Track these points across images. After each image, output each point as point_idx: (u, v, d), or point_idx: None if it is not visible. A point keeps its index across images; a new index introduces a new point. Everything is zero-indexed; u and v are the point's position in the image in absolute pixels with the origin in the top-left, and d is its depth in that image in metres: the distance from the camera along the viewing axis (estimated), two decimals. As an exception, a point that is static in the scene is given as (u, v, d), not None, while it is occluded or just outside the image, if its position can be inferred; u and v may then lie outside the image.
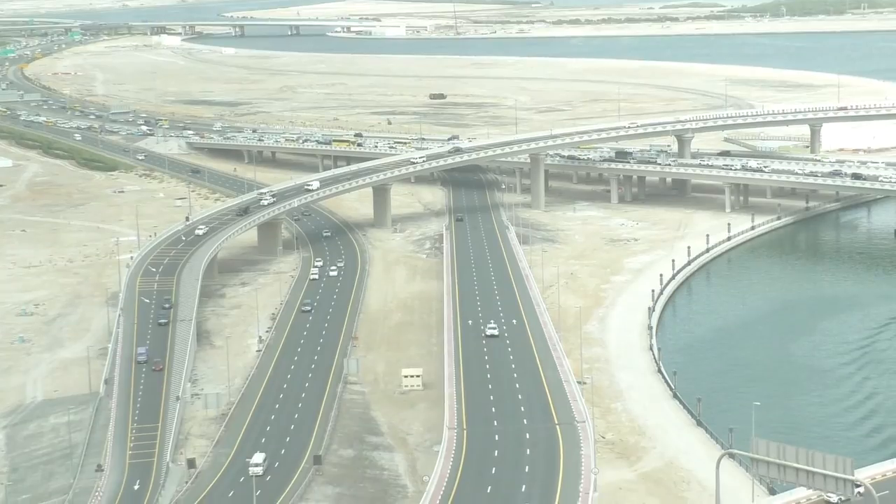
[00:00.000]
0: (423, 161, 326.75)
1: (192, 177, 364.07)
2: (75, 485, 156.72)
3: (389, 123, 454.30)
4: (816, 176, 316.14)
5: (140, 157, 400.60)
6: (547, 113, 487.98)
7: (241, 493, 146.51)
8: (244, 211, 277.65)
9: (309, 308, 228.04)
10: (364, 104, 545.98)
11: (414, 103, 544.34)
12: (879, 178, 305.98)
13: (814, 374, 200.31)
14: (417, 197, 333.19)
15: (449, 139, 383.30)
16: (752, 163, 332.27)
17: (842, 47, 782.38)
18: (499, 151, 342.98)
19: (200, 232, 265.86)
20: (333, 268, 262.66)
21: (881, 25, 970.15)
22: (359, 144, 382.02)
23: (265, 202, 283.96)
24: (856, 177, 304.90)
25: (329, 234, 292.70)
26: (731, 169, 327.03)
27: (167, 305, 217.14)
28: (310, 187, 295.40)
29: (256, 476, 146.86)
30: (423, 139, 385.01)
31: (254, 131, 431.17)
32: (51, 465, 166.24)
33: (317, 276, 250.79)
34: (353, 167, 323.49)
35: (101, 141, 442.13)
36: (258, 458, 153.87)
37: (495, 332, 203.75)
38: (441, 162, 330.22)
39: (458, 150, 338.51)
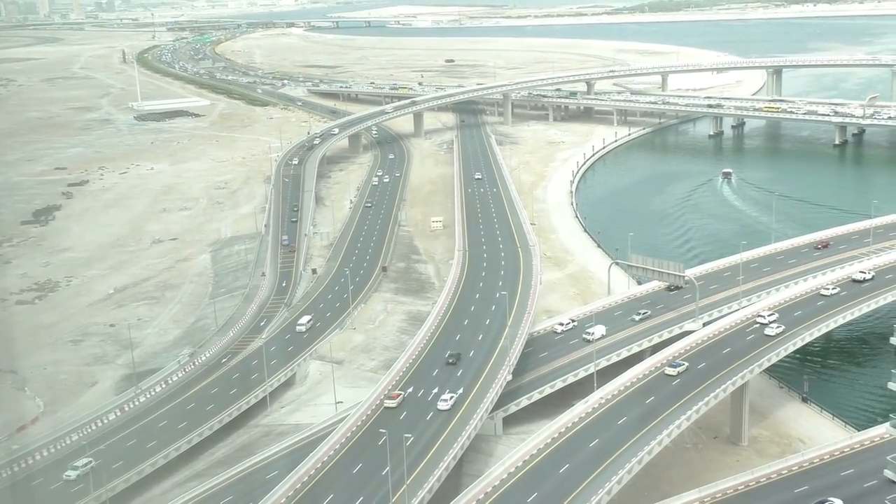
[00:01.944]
0: (438, 98, 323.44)
1: (318, 111, 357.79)
2: (250, 284, 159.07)
3: (421, 80, 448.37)
4: (665, 104, 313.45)
5: (283, 99, 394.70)
6: (513, 69, 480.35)
7: (342, 288, 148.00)
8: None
9: (377, 182, 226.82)
10: (407, 66, 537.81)
11: (436, 65, 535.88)
12: (698, 105, 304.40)
13: (662, 217, 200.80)
14: (439, 119, 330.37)
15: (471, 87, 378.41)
16: (629, 96, 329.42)
17: (683, 30, 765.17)
18: (485, 92, 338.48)
19: (317, 141, 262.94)
20: (391, 155, 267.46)
21: (718, 16, 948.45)
22: (413, 90, 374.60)
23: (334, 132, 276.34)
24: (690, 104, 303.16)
25: (391, 149, 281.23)
26: (617, 100, 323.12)
27: (295, 208, 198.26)
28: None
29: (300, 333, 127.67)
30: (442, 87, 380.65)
31: (344, 84, 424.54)
32: (236, 272, 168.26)
33: (380, 174, 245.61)
34: (400, 102, 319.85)
35: (259, 89, 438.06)
36: (304, 319, 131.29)
37: (481, 177, 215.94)
38: (451, 98, 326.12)
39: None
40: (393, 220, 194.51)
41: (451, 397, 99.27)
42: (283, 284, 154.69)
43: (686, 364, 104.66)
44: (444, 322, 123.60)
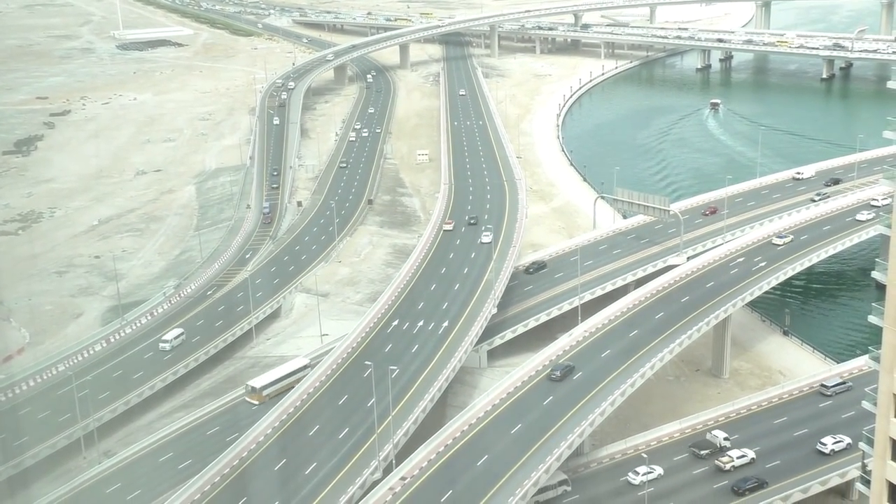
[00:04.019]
0: (424, 29, 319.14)
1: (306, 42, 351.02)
2: (234, 216, 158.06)
3: (408, 8, 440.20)
4: (653, 37, 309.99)
5: (260, 27, 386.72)
6: (500, 0, 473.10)
7: (328, 220, 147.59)
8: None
9: (354, 138, 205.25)
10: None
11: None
12: (686, 38, 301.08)
13: (648, 151, 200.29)
14: (425, 51, 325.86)
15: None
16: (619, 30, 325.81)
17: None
18: (472, 24, 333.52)
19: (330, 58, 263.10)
20: (370, 77, 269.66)
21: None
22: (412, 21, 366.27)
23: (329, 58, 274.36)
24: (678, 37, 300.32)
25: (374, 74, 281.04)
26: (604, 33, 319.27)
27: (275, 173, 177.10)
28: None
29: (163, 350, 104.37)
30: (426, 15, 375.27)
31: (330, 14, 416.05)
32: (221, 204, 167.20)
33: (358, 128, 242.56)
34: (388, 34, 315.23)
35: (244, 19, 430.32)
36: (170, 335, 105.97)
37: (465, 93, 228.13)
38: (438, 30, 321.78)
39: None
40: (378, 153, 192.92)
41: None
42: (268, 215, 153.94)
43: (791, 237, 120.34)
44: (430, 255, 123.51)
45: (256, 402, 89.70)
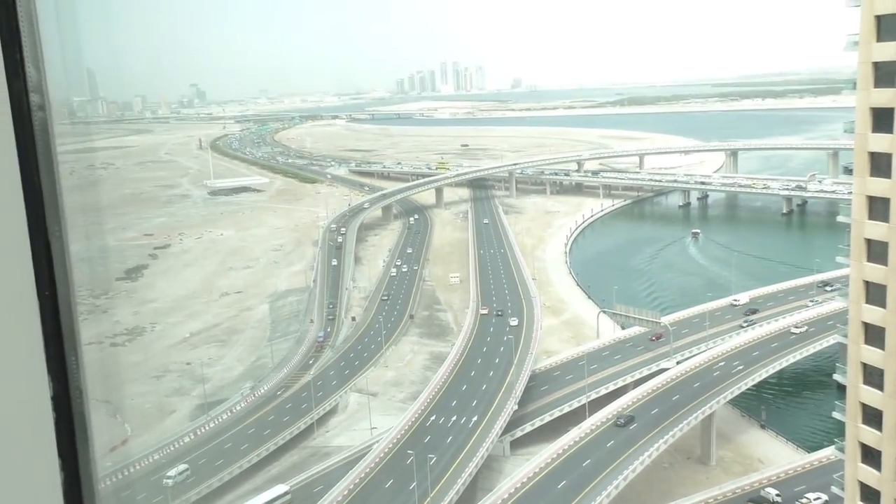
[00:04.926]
0: (455, 176, 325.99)
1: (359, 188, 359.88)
2: (300, 329, 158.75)
3: (442, 161, 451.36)
4: (641, 180, 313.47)
5: (328, 177, 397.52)
6: (516, 152, 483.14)
7: (376, 334, 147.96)
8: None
9: (395, 273, 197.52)
10: (429, 149, 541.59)
11: (453, 149, 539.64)
12: (671, 180, 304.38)
13: (640, 273, 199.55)
14: (456, 193, 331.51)
15: (481, 166, 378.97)
16: (612, 174, 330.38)
17: (656, 120, 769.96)
18: (494, 170, 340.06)
19: (367, 206, 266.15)
20: (412, 220, 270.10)
21: (684, 109, 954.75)
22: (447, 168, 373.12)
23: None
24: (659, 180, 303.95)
25: (416, 218, 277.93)
26: (602, 177, 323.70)
27: (332, 305, 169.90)
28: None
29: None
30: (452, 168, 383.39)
31: (383, 165, 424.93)
32: (289, 319, 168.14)
33: (412, 224, 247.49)
34: (425, 180, 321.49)
35: (310, 169, 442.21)
36: (174, 471, 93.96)
37: (487, 222, 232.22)
38: (466, 176, 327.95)
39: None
40: (419, 276, 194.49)
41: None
42: (329, 330, 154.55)
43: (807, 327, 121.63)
44: (461, 361, 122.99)
45: None
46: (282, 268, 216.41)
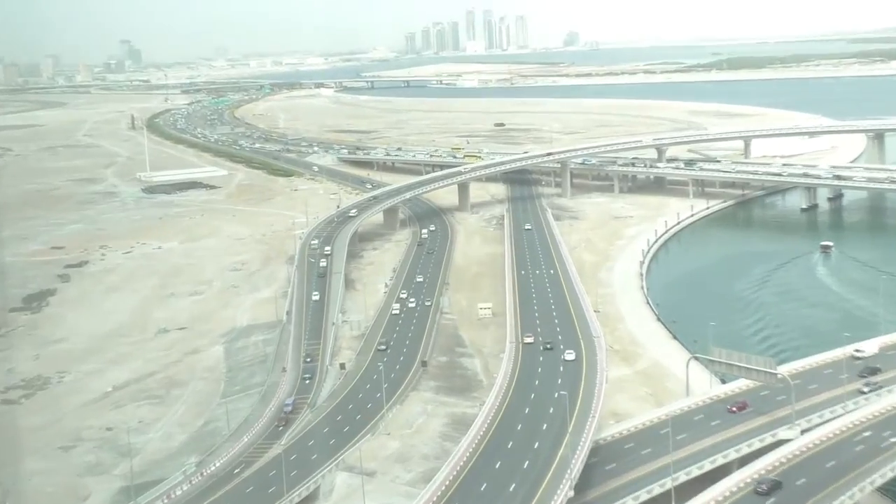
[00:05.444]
0: (486, 167, 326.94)
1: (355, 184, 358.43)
2: (268, 380, 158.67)
3: (468, 143, 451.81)
4: (748, 173, 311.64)
5: (315, 169, 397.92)
6: (571, 134, 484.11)
7: (374, 386, 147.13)
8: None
9: (398, 311, 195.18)
10: (451, 130, 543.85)
11: (484, 129, 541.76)
12: (789, 175, 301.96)
13: (748, 303, 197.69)
14: (487, 191, 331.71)
15: (523, 153, 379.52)
16: (707, 165, 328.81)
17: (768, 89, 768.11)
18: (540, 160, 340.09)
19: (353, 213, 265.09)
20: (432, 226, 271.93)
21: (807, 74, 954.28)
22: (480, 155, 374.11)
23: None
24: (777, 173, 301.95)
25: (432, 230, 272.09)
26: (693, 169, 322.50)
27: (308, 360, 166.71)
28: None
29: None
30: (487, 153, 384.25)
31: (386, 152, 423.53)
32: (252, 367, 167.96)
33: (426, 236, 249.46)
34: (445, 173, 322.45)
35: (284, 158, 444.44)
36: None
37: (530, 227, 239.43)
38: (501, 167, 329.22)
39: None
40: (434, 307, 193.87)
41: None
42: (307, 381, 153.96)
43: None
44: (495, 426, 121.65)
45: None
46: (243, 294, 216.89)
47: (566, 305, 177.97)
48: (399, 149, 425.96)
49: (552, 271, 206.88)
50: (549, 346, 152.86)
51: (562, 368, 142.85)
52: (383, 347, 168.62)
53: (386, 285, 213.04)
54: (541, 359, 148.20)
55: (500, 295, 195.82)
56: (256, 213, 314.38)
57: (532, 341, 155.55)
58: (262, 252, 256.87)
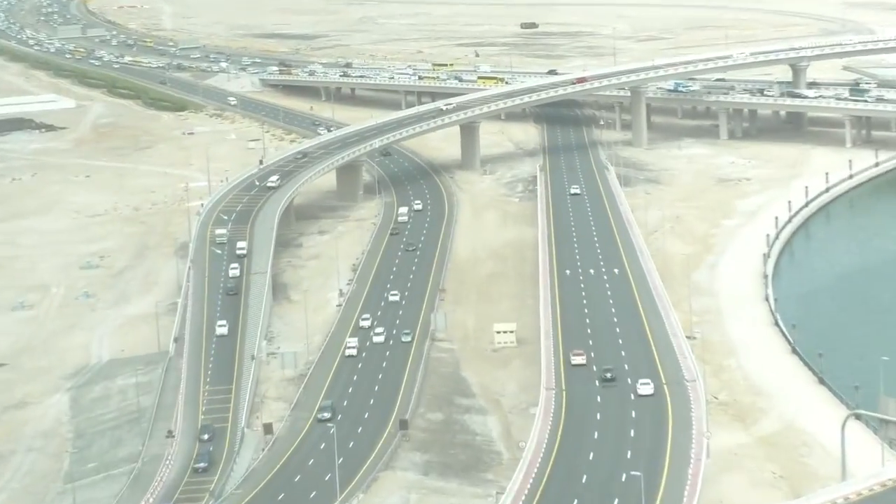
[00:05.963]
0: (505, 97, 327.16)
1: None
2: (144, 452, 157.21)
3: (477, 56, 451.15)
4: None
5: (231, 102, 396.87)
6: (647, 42, 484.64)
7: (322, 461, 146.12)
8: None
9: (354, 350, 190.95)
10: (449, 35, 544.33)
11: (503, 33, 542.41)
12: None
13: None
14: (508, 135, 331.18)
15: (548, 72, 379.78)
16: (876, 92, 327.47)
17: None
18: (596, 84, 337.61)
19: (273, 184, 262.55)
20: (418, 202, 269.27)
21: None
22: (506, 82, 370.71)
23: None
24: None
25: (416, 209, 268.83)
26: (858, 99, 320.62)
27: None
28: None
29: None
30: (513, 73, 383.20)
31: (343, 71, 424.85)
32: (118, 430, 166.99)
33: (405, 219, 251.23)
34: (440, 105, 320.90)
35: (172, 80, 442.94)
36: None
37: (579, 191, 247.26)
38: (532, 97, 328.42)
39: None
40: (421, 327, 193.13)
41: None
42: (209, 452, 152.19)
43: None
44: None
45: None
46: (102, 308, 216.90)
47: (640, 327, 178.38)
48: (365, 65, 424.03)
49: (616, 270, 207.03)
50: (609, 374, 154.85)
51: (634, 414, 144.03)
52: (327, 415, 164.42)
53: (341, 293, 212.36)
54: (598, 398, 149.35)
55: (530, 310, 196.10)
56: (125, 172, 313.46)
57: (583, 362, 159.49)
58: (135, 237, 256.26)
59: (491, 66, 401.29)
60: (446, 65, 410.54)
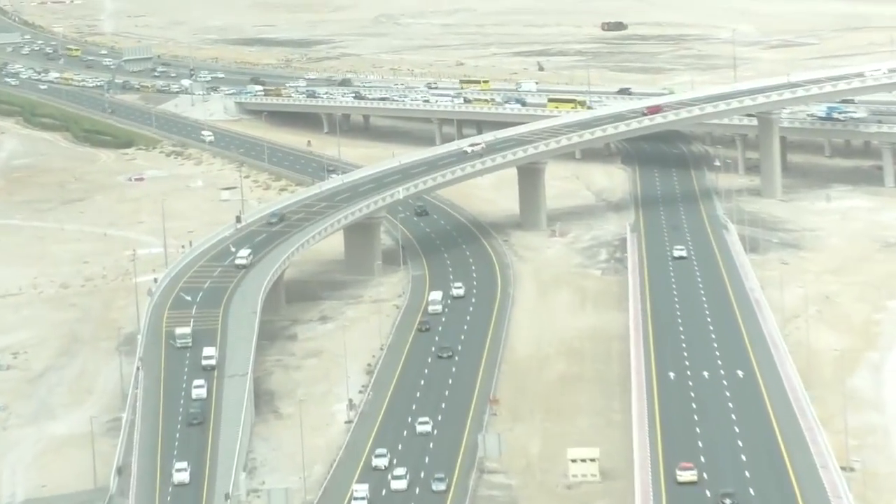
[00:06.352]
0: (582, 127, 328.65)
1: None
2: None
3: (541, 69, 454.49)
4: None
5: (206, 138, 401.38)
6: (781, 49, 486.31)
7: None
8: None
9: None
10: (502, 41, 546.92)
11: (578, 37, 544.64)
12: None
13: None
14: (585, 181, 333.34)
15: (618, 92, 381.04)
16: None
17: None
18: (709, 110, 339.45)
19: (243, 260, 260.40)
20: (458, 284, 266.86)
21: None
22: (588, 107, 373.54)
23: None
24: None
25: (456, 293, 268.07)
26: None
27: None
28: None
29: None
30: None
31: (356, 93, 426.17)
32: None
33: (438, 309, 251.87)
34: (463, 142, 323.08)
35: (110, 102, 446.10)
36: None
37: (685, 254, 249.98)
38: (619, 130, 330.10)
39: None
40: (464, 453, 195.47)
41: None
42: None
43: None
44: None
45: None
46: (17, 427, 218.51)
47: (778, 457, 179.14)
48: (373, 82, 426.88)
49: (740, 373, 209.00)
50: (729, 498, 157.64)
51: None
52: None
53: (351, 405, 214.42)
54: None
55: (618, 428, 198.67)
56: (47, 234, 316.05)
57: (693, 478, 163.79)
58: (61, 325, 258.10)
59: (536, 83, 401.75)
60: (479, 81, 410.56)
